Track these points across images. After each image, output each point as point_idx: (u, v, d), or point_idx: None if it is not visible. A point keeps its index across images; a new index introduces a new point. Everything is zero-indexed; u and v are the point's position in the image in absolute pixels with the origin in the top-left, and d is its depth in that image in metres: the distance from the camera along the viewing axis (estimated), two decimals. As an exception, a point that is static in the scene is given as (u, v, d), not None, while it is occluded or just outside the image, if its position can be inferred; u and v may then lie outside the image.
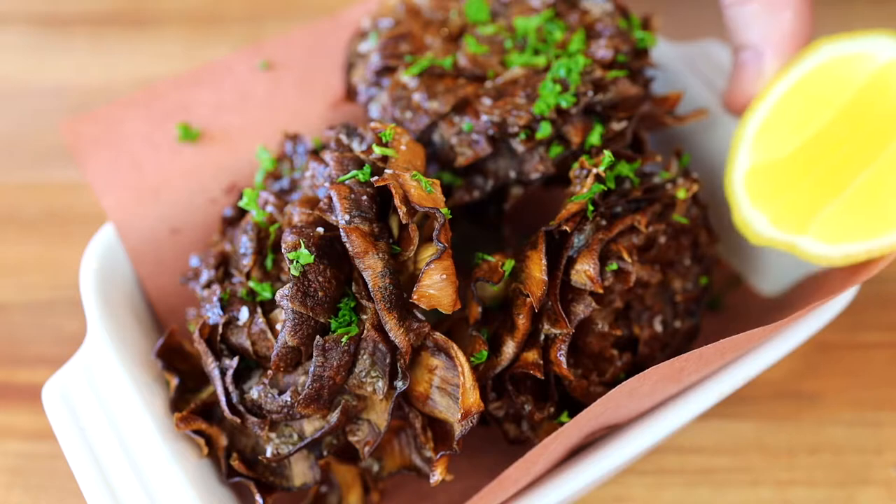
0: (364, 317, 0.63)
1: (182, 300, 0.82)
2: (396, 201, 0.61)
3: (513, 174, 0.76)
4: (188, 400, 0.72)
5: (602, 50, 0.77)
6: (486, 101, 0.74)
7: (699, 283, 0.78)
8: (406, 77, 0.77)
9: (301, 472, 0.69)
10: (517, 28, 0.81)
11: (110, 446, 0.69)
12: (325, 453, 0.68)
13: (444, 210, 0.62)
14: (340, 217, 0.62)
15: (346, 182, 0.64)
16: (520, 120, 0.73)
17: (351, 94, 0.84)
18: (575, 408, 0.72)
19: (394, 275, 0.62)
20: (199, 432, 0.69)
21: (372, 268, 0.61)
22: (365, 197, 0.63)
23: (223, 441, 0.70)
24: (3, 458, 0.86)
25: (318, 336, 0.62)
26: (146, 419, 0.70)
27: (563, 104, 0.73)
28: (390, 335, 0.61)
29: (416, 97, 0.75)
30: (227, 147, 0.86)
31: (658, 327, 0.76)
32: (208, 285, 0.72)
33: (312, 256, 0.62)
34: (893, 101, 0.80)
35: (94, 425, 0.70)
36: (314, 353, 0.61)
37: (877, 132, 0.79)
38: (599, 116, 0.76)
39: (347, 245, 0.61)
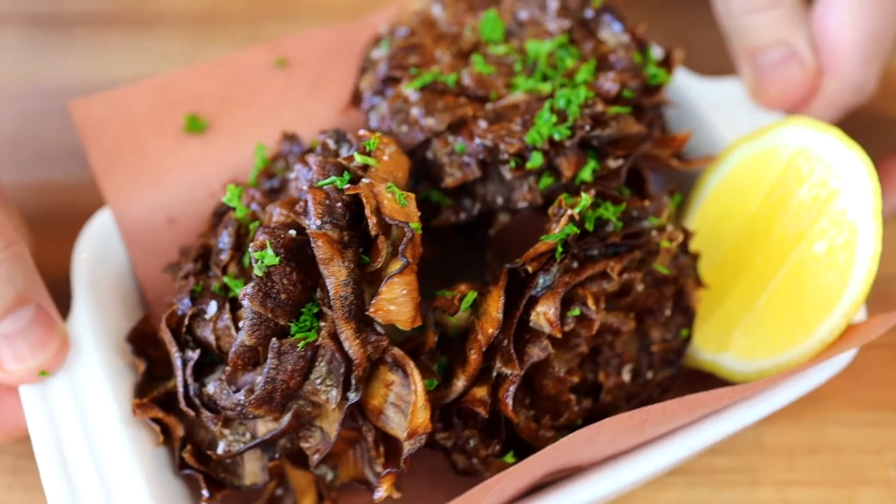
0: (323, 324, 0.63)
1: (172, 289, 0.82)
2: (367, 212, 0.61)
3: (500, 200, 0.75)
4: (154, 387, 0.73)
5: (609, 83, 0.75)
6: (483, 124, 0.73)
7: (680, 335, 0.75)
8: (408, 90, 0.76)
9: (253, 471, 0.69)
10: (528, 51, 0.80)
11: (72, 426, 0.69)
12: (276, 455, 0.68)
13: (415, 225, 0.61)
14: (312, 222, 0.62)
15: (324, 187, 0.63)
16: (510, 147, 0.71)
17: (357, 99, 0.84)
18: (523, 448, 0.70)
19: (357, 285, 0.61)
20: (156, 420, 0.69)
21: (335, 275, 0.61)
22: (340, 204, 0.63)
23: (180, 432, 0.70)
24: (3, 458, 0.85)
25: (274, 338, 0.61)
26: (110, 402, 0.70)
27: (557, 136, 0.71)
28: (344, 345, 0.61)
29: (415, 112, 0.74)
30: (231, 142, 0.86)
31: (626, 376, 0.73)
32: (186, 276, 0.73)
33: (278, 258, 0.61)
34: (796, 202, 0.77)
35: (60, 404, 0.70)
36: (269, 356, 0.61)
37: (784, 236, 0.77)
38: (596, 151, 0.74)
39: (314, 250, 0.61)
